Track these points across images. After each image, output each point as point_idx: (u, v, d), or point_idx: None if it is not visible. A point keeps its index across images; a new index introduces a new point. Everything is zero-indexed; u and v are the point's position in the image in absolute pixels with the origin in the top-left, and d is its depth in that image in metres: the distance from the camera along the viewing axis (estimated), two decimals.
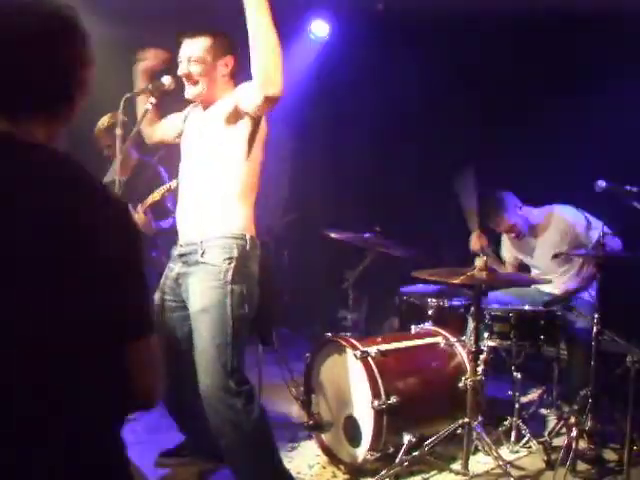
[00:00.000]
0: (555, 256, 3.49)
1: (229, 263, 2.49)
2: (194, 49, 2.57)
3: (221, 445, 2.55)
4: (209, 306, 2.46)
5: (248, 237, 2.56)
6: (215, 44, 2.58)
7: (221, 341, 2.44)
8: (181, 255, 2.65)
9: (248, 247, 2.54)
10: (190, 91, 2.63)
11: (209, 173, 2.59)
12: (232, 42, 2.64)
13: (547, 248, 3.72)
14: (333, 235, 3.77)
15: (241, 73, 2.65)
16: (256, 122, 2.54)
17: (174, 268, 2.68)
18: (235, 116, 2.53)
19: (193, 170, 2.67)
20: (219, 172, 2.56)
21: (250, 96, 2.42)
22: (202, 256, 2.52)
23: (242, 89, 2.53)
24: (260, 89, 2.33)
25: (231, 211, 2.56)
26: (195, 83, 2.60)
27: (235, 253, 2.50)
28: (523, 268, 4.08)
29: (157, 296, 2.73)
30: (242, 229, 2.56)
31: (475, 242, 3.86)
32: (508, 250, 4.08)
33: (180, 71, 2.61)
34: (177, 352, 2.65)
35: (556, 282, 3.79)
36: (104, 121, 3.85)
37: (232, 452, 2.55)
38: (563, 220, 3.74)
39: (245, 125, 2.53)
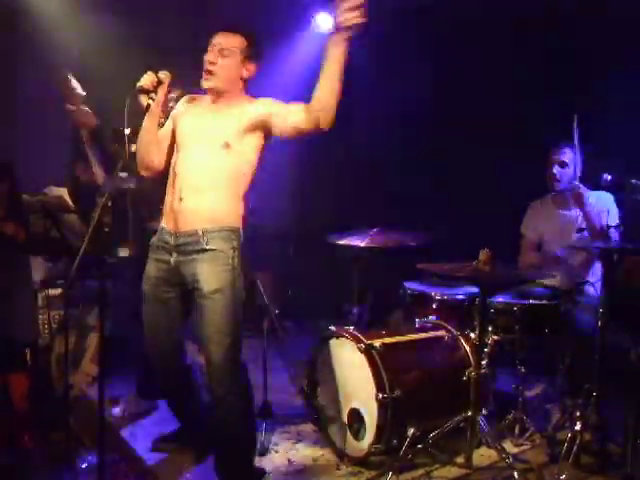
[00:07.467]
0: (579, 230, 3.50)
1: (234, 251, 2.68)
2: (230, 42, 2.67)
3: (216, 419, 2.72)
4: (223, 287, 2.64)
5: (241, 231, 2.75)
6: (249, 48, 2.69)
7: (232, 319, 2.65)
8: (177, 245, 2.69)
9: (242, 239, 2.74)
10: (207, 82, 2.69)
11: (218, 169, 2.67)
12: (261, 53, 2.77)
13: (569, 223, 3.73)
14: (338, 241, 3.65)
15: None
16: (271, 134, 2.71)
17: (169, 259, 2.71)
18: (257, 125, 2.67)
19: (196, 162, 2.70)
20: (231, 171, 2.68)
21: (297, 118, 2.60)
22: (207, 244, 2.65)
23: (277, 106, 2.66)
24: (315, 120, 2.54)
25: (233, 207, 2.72)
26: (214, 74, 2.67)
27: (236, 244, 2.70)
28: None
29: (147, 289, 2.79)
30: (239, 223, 2.74)
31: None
32: (530, 222, 4.03)
33: (208, 57, 2.66)
34: (167, 339, 2.85)
35: (562, 273, 3.77)
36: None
37: (231, 421, 2.71)
38: (590, 203, 3.71)
39: (263, 134, 2.71)
